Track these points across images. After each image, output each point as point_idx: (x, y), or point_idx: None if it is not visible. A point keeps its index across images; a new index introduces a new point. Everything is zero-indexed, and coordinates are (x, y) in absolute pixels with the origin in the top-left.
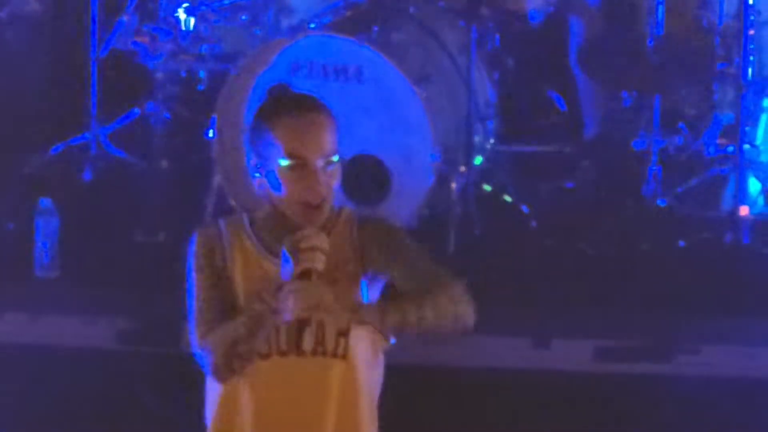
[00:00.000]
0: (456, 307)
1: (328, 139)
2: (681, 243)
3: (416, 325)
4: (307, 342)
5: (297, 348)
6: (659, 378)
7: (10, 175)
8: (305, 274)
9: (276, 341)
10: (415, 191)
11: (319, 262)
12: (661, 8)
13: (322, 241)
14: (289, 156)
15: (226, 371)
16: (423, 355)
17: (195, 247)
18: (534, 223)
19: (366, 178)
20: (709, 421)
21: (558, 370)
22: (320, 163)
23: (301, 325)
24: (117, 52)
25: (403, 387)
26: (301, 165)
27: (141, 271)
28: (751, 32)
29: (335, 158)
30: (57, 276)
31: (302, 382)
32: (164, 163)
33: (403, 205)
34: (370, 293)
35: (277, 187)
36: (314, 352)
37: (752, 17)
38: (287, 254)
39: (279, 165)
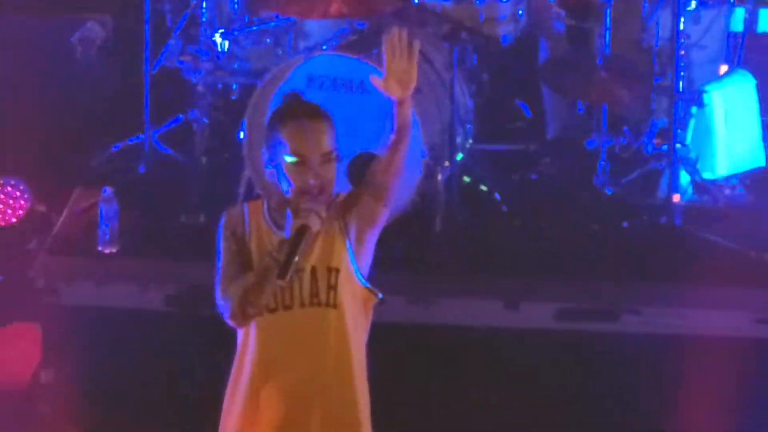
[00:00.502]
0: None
1: (325, 140)
2: (625, 224)
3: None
4: (305, 294)
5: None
6: (608, 334)
7: (80, 169)
8: (301, 229)
9: (281, 297)
10: (408, 182)
11: (315, 222)
12: (608, 33)
13: (318, 205)
14: (293, 153)
15: (241, 316)
16: (409, 314)
17: (222, 225)
18: (505, 208)
19: (367, 171)
20: (648, 369)
21: (525, 328)
22: (318, 159)
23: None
24: (166, 69)
25: (387, 343)
26: (302, 161)
27: (185, 247)
28: (682, 52)
29: (332, 156)
30: (116, 251)
31: (304, 328)
32: (203, 159)
33: (399, 194)
34: (358, 259)
35: (284, 178)
36: (311, 303)
37: (683, 40)
38: (290, 215)
39: (285, 161)
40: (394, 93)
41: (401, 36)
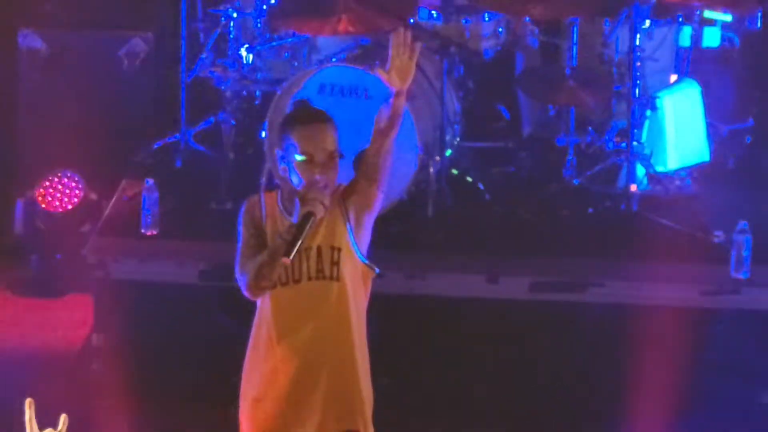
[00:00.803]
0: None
1: (330, 141)
2: (590, 210)
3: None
4: (311, 269)
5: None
6: (576, 304)
7: (125, 163)
8: (307, 215)
9: (291, 273)
10: (405, 174)
11: (319, 210)
12: (575, 48)
13: (322, 195)
14: (302, 153)
15: (255, 288)
16: (406, 287)
17: (242, 211)
18: (488, 196)
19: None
20: (610, 334)
21: (504, 299)
22: (323, 158)
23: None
24: (199, 78)
25: (387, 311)
26: (310, 160)
27: (215, 229)
28: (638, 64)
29: (335, 155)
30: (157, 233)
31: (311, 298)
32: (231, 155)
33: (396, 184)
34: (357, 239)
35: (295, 173)
36: (317, 277)
37: (638, 54)
38: (298, 201)
39: (296, 159)
40: (394, 84)
41: (406, 36)
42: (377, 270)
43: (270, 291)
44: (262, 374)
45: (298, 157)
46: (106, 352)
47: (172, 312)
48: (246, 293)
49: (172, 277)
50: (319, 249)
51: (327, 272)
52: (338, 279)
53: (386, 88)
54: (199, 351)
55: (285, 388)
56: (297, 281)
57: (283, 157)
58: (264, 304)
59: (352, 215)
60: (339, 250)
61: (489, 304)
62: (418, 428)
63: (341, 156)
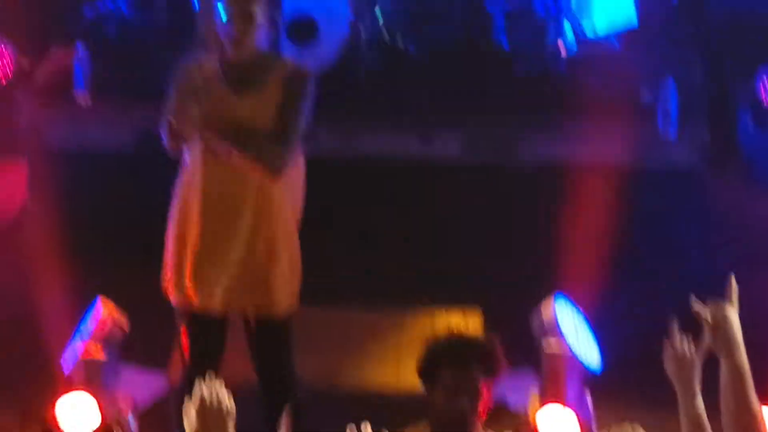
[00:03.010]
0: (273, 161)
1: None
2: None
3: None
4: None
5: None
6: (505, 163)
7: (57, 27)
8: None
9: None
10: (336, 38)
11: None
12: None
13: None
14: (224, 4)
15: (170, 138)
16: (344, 148)
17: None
18: (418, 58)
19: (302, 29)
20: (540, 193)
21: (437, 157)
22: (238, 11)
23: None
24: None
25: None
26: (228, 10)
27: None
28: None
29: (252, 9)
30: (89, 101)
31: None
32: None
33: (327, 47)
34: None
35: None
36: None
37: None
38: None
39: (220, 13)
40: None
41: None
42: None
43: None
44: (181, 245)
45: (220, 11)
46: (42, 218)
47: (108, 178)
48: (165, 143)
49: (108, 144)
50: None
51: None
52: None
53: None
54: (133, 219)
55: (208, 262)
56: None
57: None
58: (189, 175)
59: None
60: None
61: (422, 163)
62: (356, 289)
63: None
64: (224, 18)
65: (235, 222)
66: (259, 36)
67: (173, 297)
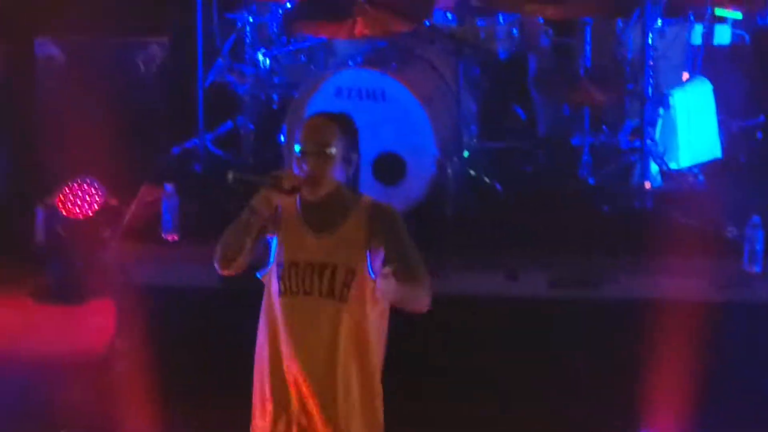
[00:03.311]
0: (425, 295)
1: (325, 136)
2: (605, 208)
3: (396, 294)
4: (324, 287)
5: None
6: (591, 299)
7: (145, 168)
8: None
9: (302, 283)
10: (423, 176)
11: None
12: (588, 47)
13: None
14: (299, 143)
15: (222, 260)
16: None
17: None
18: (504, 196)
19: (389, 167)
20: (625, 328)
21: (523, 296)
22: (312, 150)
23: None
24: (217, 83)
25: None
26: (302, 151)
27: None
28: (651, 63)
29: (327, 150)
30: (177, 238)
31: (318, 317)
32: (250, 159)
33: (415, 185)
34: (373, 262)
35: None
36: (328, 295)
37: (651, 52)
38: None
39: (295, 151)
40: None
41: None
42: None
43: (279, 297)
44: (266, 383)
45: (296, 148)
46: (129, 356)
47: (193, 316)
48: (216, 265)
49: (193, 281)
50: (334, 268)
51: (337, 292)
52: (346, 301)
53: (403, 92)
54: (221, 354)
55: (290, 401)
56: (307, 294)
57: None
58: (267, 313)
59: (374, 243)
60: (353, 273)
61: (508, 302)
62: (438, 423)
63: (341, 158)
64: (300, 156)
65: (320, 360)
66: (337, 174)
67: None
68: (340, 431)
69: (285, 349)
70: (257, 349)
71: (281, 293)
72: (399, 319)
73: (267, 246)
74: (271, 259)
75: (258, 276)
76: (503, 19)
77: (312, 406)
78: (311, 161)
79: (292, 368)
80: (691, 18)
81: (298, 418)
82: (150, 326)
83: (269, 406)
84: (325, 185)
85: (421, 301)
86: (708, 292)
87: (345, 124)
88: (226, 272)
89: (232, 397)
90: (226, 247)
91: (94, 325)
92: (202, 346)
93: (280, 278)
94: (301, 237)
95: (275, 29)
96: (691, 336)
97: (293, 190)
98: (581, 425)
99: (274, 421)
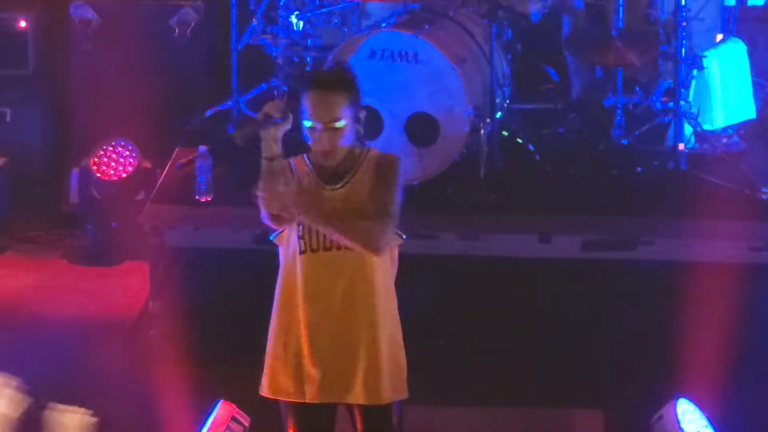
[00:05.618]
0: (378, 233)
1: (334, 110)
2: (639, 169)
3: (335, 229)
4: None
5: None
6: (626, 261)
7: (179, 131)
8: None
9: (321, 240)
10: (457, 136)
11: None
12: (621, 9)
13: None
14: (308, 119)
15: (271, 218)
16: (457, 248)
17: None
18: (537, 157)
19: (422, 128)
20: (659, 291)
21: (556, 258)
22: (325, 126)
23: None
24: (250, 45)
25: (442, 271)
26: (313, 126)
27: None
28: (684, 24)
29: (338, 124)
30: (211, 200)
31: (337, 266)
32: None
33: (449, 146)
34: None
35: (306, 137)
36: (340, 247)
37: (684, 14)
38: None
39: (304, 125)
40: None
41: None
42: (404, 237)
43: (300, 255)
44: (284, 339)
45: (306, 123)
46: (163, 318)
47: (227, 277)
48: (265, 221)
49: (227, 243)
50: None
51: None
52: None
53: (436, 54)
54: (254, 315)
55: (308, 352)
56: (327, 249)
57: (302, 115)
58: (289, 271)
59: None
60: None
61: (541, 263)
62: (475, 387)
63: (347, 126)
64: (310, 131)
65: (336, 313)
66: (348, 137)
67: (277, 393)
68: (362, 380)
69: (304, 303)
70: (274, 310)
71: (302, 251)
72: (432, 280)
73: None
74: None
75: (271, 239)
76: None
77: (330, 356)
78: (324, 136)
79: (312, 322)
80: None
81: (316, 370)
82: (183, 287)
83: (288, 360)
84: (338, 153)
85: (371, 237)
86: (743, 255)
87: (349, 87)
88: (280, 227)
89: (264, 358)
90: (267, 203)
91: (128, 287)
92: (234, 307)
93: (300, 237)
94: (315, 189)
95: None
96: (726, 299)
97: (284, 115)
98: (615, 389)
99: (294, 377)
